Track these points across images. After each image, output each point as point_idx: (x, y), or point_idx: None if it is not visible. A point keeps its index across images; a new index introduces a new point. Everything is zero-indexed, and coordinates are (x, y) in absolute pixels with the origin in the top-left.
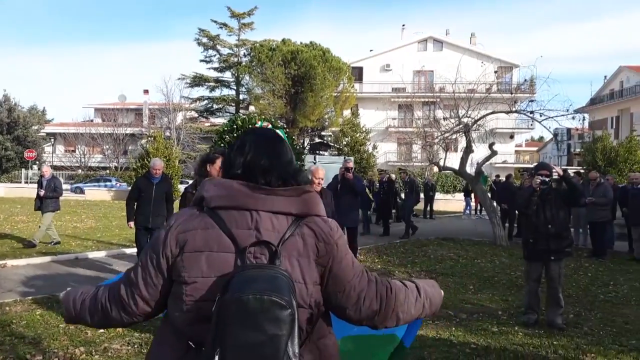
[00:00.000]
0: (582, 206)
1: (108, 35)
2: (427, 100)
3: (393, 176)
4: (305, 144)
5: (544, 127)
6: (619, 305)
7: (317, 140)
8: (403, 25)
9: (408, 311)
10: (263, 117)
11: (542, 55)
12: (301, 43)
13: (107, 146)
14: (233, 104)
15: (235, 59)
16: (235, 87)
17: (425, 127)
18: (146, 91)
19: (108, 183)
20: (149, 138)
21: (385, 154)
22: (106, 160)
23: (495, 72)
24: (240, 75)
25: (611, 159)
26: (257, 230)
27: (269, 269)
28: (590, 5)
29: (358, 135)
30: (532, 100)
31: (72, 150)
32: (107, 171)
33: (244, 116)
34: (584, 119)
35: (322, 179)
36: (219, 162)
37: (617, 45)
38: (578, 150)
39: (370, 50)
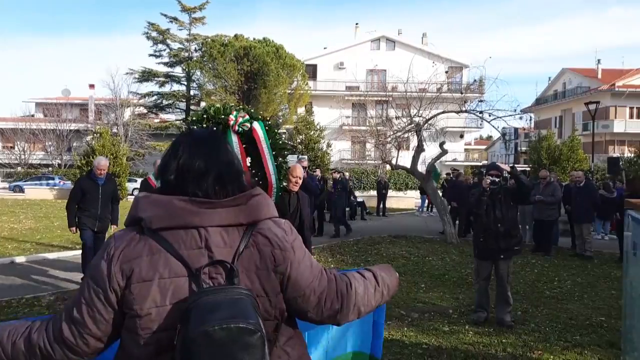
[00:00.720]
0: (529, 204)
1: (51, 27)
2: (380, 99)
3: (347, 175)
4: None
5: (493, 126)
6: (563, 301)
7: None
8: (356, 23)
9: (369, 303)
10: (240, 106)
11: (490, 56)
12: (254, 39)
13: (50, 142)
14: (184, 100)
15: (186, 54)
16: (186, 83)
17: (378, 125)
18: (92, 86)
19: (51, 181)
20: (95, 134)
21: (339, 152)
22: (49, 157)
23: (446, 72)
24: (191, 71)
25: (555, 157)
26: (208, 249)
27: (228, 291)
28: (537, 9)
29: (312, 133)
30: (481, 101)
31: (11, 147)
32: (50, 169)
33: (217, 105)
34: (530, 119)
35: (299, 178)
36: None
37: (561, 48)
38: (525, 149)
39: (324, 48)
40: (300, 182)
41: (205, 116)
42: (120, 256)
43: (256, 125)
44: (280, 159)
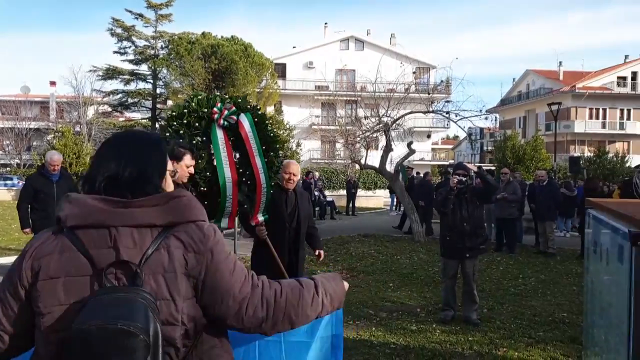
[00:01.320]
0: (493, 202)
1: (9, 21)
2: (349, 99)
3: (317, 174)
4: None
5: (459, 126)
6: (527, 298)
7: None
8: (325, 23)
9: (303, 313)
10: (228, 98)
11: (457, 57)
12: (222, 37)
13: (8, 141)
14: (150, 98)
15: (152, 52)
16: (152, 81)
17: (348, 125)
18: (53, 83)
19: (9, 182)
20: (57, 133)
21: (309, 151)
22: (6, 156)
23: (414, 72)
24: (158, 69)
25: (519, 156)
26: (116, 249)
27: (126, 292)
28: (501, 11)
29: (282, 132)
30: (448, 101)
31: None
32: (8, 169)
33: (200, 97)
34: (495, 119)
35: (294, 175)
36: (187, 159)
37: (525, 49)
38: (490, 148)
39: (294, 47)
40: (295, 179)
41: (186, 110)
42: (33, 253)
43: (242, 118)
44: (271, 153)
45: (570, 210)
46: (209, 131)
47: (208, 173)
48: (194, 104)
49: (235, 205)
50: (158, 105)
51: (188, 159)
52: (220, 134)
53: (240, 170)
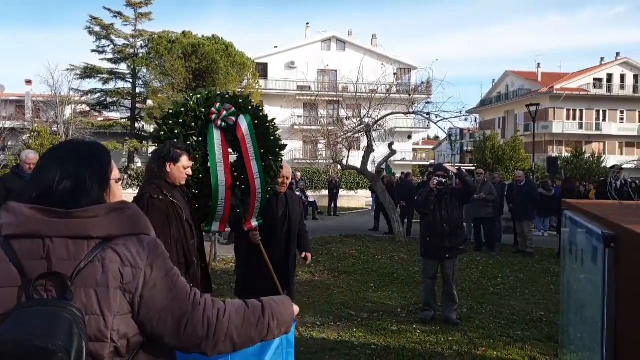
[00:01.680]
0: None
1: None
2: (331, 99)
3: (298, 175)
4: None
5: (439, 128)
6: (506, 297)
7: None
8: (307, 23)
9: (246, 335)
10: (229, 97)
11: (437, 59)
12: (203, 36)
13: None
14: (129, 98)
15: (132, 50)
16: (131, 80)
17: (329, 126)
18: (29, 82)
19: None
20: (32, 133)
21: (291, 151)
22: None
23: (395, 73)
24: (137, 68)
25: (499, 157)
26: (49, 260)
27: (53, 305)
28: (482, 13)
29: None
30: (428, 102)
31: None
32: None
33: (199, 96)
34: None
35: (287, 178)
36: (184, 161)
37: (504, 51)
38: (470, 148)
39: (275, 47)
40: (288, 182)
41: (183, 109)
42: None
43: (241, 120)
44: (270, 157)
45: (548, 210)
46: (206, 131)
47: (200, 175)
48: (192, 102)
49: (228, 210)
50: (137, 105)
51: (185, 160)
52: (217, 135)
53: (236, 174)
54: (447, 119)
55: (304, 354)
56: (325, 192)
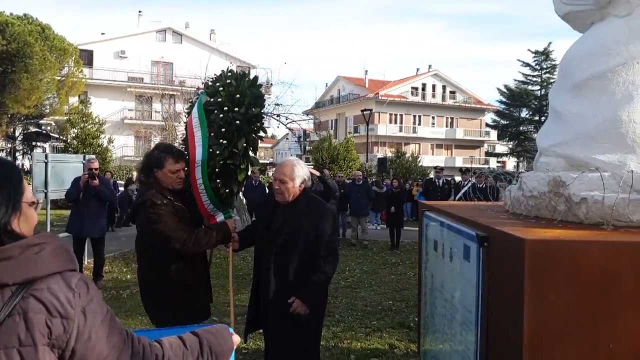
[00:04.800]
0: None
1: None
2: (166, 92)
3: (134, 174)
4: (17, 134)
5: (289, 129)
6: (357, 290)
7: (33, 129)
8: (140, 11)
9: None
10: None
11: (285, 62)
12: (12, 14)
13: None
14: None
15: None
16: None
17: (167, 120)
18: None
19: None
20: None
21: (121, 147)
22: None
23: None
24: None
25: (334, 157)
26: None
27: None
28: (317, 17)
29: (90, 126)
30: (278, 104)
31: None
32: None
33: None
34: (319, 122)
35: (280, 181)
36: (170, 164)
37: (336, 56)
38: (309, 148)
39: (103, 34)
40: (284, 187)
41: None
42: None
43: (201, 97)
44: (255, 127)
45: (380, 205)
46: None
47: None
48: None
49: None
50: None
51: (171, 164)
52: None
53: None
54: (296, 121)
55: None
56: None
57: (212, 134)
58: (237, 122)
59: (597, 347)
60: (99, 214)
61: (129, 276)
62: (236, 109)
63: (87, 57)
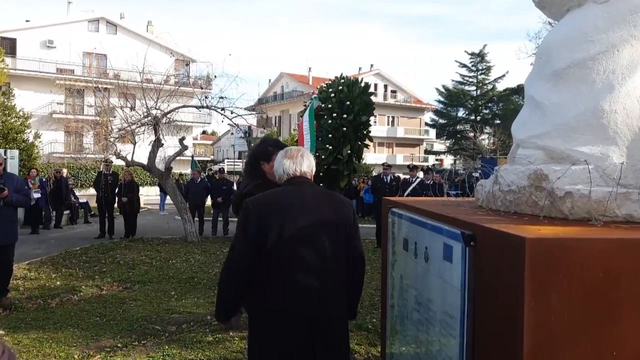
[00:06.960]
0: None
1: None
2: (99, 86)
3: (64, 171)
4: None
5: (234, 124)
6: None
7: None
8: (69, 0)
9: None
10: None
11: (230, 54)
12: None
13: None
14: None
15: None
16: None
17: (99, 115)
18: None
19: None
20: None
21: (50, 144)
22: None
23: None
24: None
25: None
26: None
27: None
28: (259, 14)
29: (13, 120)
30: (222, 97)
31: None
32: None
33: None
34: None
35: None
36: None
37: (279, 53)
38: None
39: (27, 21)
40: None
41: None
42: None
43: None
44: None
45: None
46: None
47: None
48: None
49: None
50: None
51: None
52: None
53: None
54: (242, 115)
55: None
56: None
57: (320, 139)
58: (345, 128)
59: (601, 350)
60: (10, 218)
61: (58, 282)
62: (344, 115)
63: (9, 46)
